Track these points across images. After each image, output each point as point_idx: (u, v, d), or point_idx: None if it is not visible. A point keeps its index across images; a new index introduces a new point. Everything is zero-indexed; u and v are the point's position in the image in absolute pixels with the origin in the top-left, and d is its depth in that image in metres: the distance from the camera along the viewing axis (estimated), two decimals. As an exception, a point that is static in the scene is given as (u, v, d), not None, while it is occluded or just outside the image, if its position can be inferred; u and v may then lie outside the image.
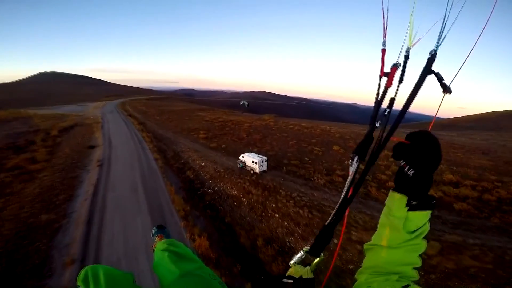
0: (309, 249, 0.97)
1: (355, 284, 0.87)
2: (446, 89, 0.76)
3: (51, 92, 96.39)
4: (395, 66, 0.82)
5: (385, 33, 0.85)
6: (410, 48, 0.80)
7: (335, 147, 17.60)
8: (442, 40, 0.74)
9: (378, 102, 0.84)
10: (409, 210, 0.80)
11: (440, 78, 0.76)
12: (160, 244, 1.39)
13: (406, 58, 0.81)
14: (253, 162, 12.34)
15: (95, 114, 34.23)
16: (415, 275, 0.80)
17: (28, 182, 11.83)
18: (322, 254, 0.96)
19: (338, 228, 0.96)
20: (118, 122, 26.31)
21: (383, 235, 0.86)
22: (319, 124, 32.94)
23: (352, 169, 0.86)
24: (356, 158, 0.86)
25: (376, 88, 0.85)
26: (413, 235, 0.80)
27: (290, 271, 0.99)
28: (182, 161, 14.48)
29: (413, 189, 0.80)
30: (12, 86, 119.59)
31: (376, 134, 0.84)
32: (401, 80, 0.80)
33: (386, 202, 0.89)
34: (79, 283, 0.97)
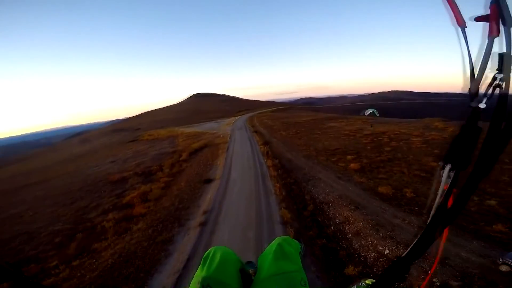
0: (373, 282, 0.79)
1: None
2: None
3: (199, 110, 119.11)
4: (494, 3, 0.51)
5: None
6: None
7: None
8: None
9: (476, 68, 0.53)
10: None
11: None
12: (277, 238, 1.40)
13: None
14: None
15: (226, 131, 34.23)
16: None
17: (119, 237, 8.74)
18: None
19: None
20: (244, 142, 23.23)
21: None
22: None
23: (442, 183, 0.57)
24: (448, 168, 0.56)
25: (462, 45, 0.53)
26: None
27: None
28: (333, 230, 7.43)
29: None
30: (175, 107, 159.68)
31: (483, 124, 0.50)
32: (505, 22, 0.50)
33: None
34: (202, 259, 1.22)
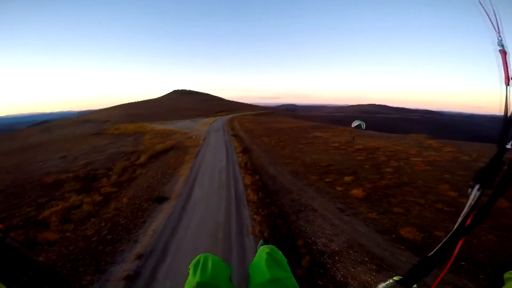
0: (401, 278, 0.84)
1: None
2: None
3: (177, 107, 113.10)
4: None
5: (497, 29, 0.67)
6: None
7: None
8: None
9: (508, 117, 0.70)
10: None
11: None
12: (263, 247, 1.44)
13: None
14: None
15: (200, 132, 30.57)
16: None
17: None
18: (415, 286, 0.83)
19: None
20: (219, 147, 19.88)
21: None
22: None
23: (471, 198, 0.74)
24: (477, 187, 0.73)
25: (503, 99, 0.69)
26: None
27: None
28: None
29: None
30: (152, 102, 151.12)
31: (507, 157, 0.71)
32: None
33: None
34: (190, 267, 1.20)
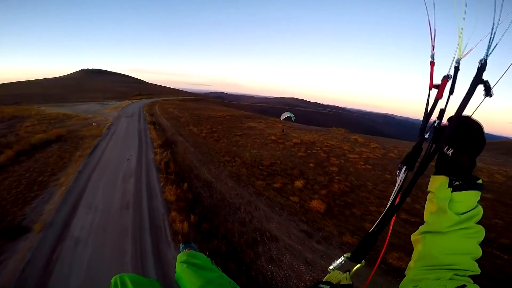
0: (350, 255, 0.89)
1: (401, 283, 0.75)
2: (488, 93, 0.69)
3: (84, 88, 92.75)
4: (446, 78, 0.77)
5: (433, 45, 0.80)
6: (460, 59, 0.76)
7: None
8: (493, 49, 0.68)
9: (428, 114, 0.81)
10: (452, 191, 0.72)
11: (488, 87, 0.69)
12: (180, 256, 1.29)
13: (457, 69, 0.76)
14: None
15: (107, 117, 23.94)
16: (475, 268, 0.67)
17: None
18: (363, 261, 0.88)
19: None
20: (129, 139, 15.17)
21: (429, 220, 0.77)
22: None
23: (399, 179, 0.81)
24: (404, 169, 0.80)
25: (426, 101, 0.82)
26: (463, 217, 0.70)
27: (328, 277, 0.94)
28: None
29: (453, 168, 0.73)
30: (51, 81, 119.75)
31: (425, 145, 0.79)
32: (451, 92, 0.76)
33: (428, 188, 0.80)
34: None
